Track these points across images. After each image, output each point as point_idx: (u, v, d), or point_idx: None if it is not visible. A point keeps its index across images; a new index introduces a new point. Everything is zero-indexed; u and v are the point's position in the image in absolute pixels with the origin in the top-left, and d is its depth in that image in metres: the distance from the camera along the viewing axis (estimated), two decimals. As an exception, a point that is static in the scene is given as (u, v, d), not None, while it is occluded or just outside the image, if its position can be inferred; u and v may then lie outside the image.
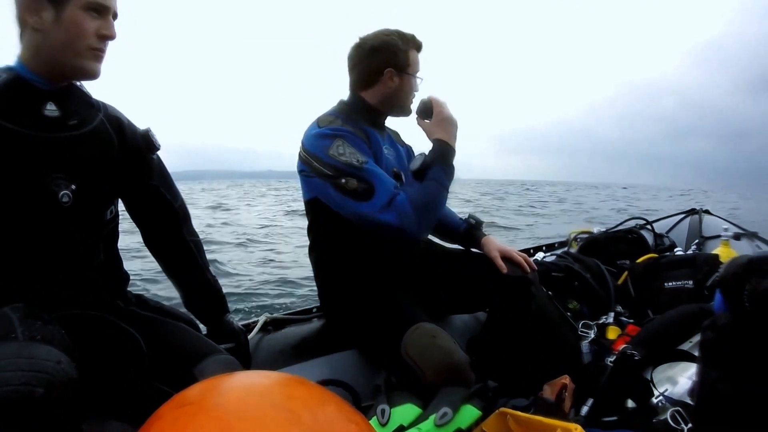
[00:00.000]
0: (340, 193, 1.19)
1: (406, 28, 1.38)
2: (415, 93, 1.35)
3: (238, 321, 1.26)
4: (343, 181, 1.18)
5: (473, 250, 1.46)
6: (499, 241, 1.40)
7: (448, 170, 1.21)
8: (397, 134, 1.51)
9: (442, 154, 1.22)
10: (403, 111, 1.37)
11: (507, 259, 1.33)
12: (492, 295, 1.31)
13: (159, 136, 1.06)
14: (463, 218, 1.50)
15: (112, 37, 0.90)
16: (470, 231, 1.46)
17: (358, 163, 1.18)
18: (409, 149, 1.52)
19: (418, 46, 1.34)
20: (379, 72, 1.30)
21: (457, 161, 1.34)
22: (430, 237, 1.65)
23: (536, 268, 1.36)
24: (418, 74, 1.34)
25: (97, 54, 0.90)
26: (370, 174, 1.17)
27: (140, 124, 1.08)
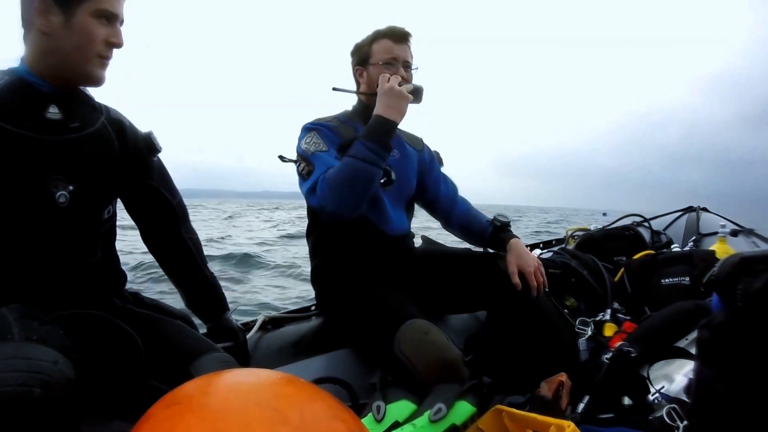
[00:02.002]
0: (300, 177, 1.28)
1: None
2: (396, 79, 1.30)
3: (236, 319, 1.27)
4: (300, 166, 1.27)
5: (476, 250, 1.47)
6: (523, 248, 1.37)
7: (371, 144, 1.18)
8: (414, 137, 1.51)
9: (369, 128, 1.22)
10: None
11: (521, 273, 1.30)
12: (491, 294, 1.32)
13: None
14: (489, 220, 1.49)
15: (120, 45, 0.91)
16: (497, 234, 1.45)
17: (313, 150, 1.25)
18: (431, 152, 1.53)
19: (391, 35, 1.34)
20: (354, 74, 1.40)
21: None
22: (431, 238, 1.65)
23: (543, 289, 1.34)
24: (394, 61, 1.32)
25: (104, 61, 0.90)
26: (316, 158, 1.24)
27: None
